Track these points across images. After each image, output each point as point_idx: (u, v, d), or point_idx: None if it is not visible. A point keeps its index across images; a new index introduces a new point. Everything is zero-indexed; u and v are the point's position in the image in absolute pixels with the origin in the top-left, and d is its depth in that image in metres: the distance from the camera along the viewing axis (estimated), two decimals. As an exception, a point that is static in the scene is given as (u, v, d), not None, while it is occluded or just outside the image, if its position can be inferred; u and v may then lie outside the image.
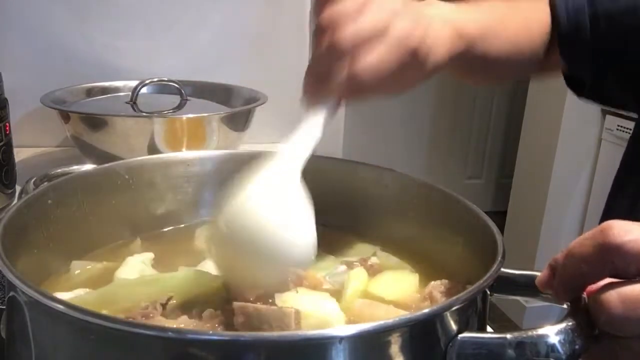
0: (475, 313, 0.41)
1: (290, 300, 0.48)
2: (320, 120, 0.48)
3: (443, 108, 2.90)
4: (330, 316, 0.48)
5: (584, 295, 0.38)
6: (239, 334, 0.39)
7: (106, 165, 0.61)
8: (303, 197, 0.46)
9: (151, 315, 0.45)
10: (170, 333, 0.34)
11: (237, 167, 0.66)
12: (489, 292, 0.43)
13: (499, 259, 0.43)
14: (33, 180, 0.59)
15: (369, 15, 0.46)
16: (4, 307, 0.41)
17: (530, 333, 0.37)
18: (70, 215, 0.56)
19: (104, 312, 0.41)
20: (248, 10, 1.22)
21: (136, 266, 0.56)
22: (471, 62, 0.59)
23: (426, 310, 0.37)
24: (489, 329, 0.46)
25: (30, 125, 1.15)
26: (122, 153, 0.91)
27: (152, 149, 0.91)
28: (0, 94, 0.85)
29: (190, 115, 0.96)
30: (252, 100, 1.05)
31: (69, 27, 1.15)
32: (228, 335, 0.35)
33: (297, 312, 0.42)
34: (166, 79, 1.06)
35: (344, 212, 0.65)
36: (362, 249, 0.62)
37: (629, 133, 0.72)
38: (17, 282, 0.37)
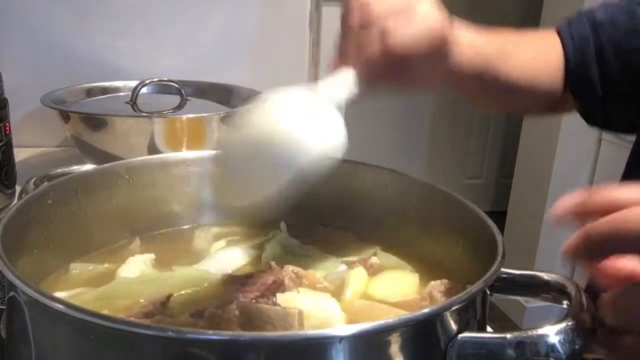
0: (475, 313, 0.41)
1: (291, 300, 0.49)
2: (348, 79, 0.46)
3: (443, 108, 2.90)
4: (331, 316, 0.48)
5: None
6: (239, 333, 0.39)
7: (106, 165, 0.61)
8: (333, 118, 0.43)
9: (151, 314, 0.45)
10: (170, 333, 0.34)
11: (237, 167, 0.67)
12: (489, 292, 0.43)
13: (499, 259, 0.43)
14: (33, 180, 0.59)
15: None
16: (4, 307, 0.41)
17: (530, 333, 0.37)
18: (70, 215, 0.56)
19: (104, 311, 0.41)
20: (248, 10, 1.22)
21: (137, 266, 0.56)
22: (487, 85, 0.59)
23: (426, 310, 0.37)
24: (489, 329, 0.45)
25: (30, 125, 1.15)
26: (122, 153, 0.91)
27: (152, 149, 0.91)
28: (0, 94, 0.85)
29: (190, 115, 0.96)
30: (252, 100, 1.05)
31: (69, 27, 1.15)
32: (228, 335, 0.35)
33: (301, 313, 0.42)
34: (166, 79, 1.06)
35: (344, 212, 0.65)
36: (362, 249, 0.62)
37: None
38: (17, 282, 0.37)
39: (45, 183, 0.57)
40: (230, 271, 0.56)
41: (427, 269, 0.57)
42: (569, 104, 0.68)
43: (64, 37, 1.15)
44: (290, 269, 0.53)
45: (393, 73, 0.49)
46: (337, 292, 0.53)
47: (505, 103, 0.68)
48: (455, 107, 2.93)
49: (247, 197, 0.44)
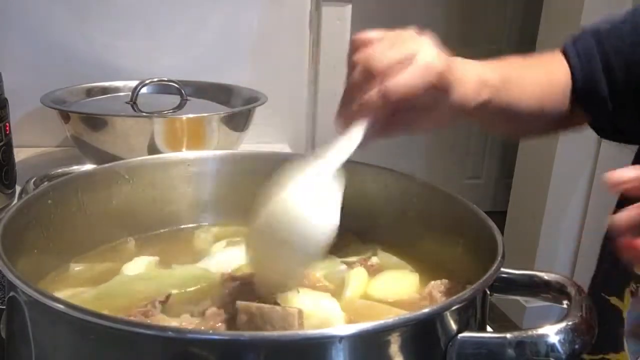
0: (475, 313, 0.41)
1: (291, 299, 0.49)
2: (354, 137, 0.50)
3: (443, 108, 2.90)
4: (331, 316, 0.48)
5: None
6: (239, 333, 0.39)
7: (106, 165, 0.61)
8: (336, 199, 0.48)
9: (150, 313, 0.45)
10: (170, 332, 0.34)
11: (237, 167, 0.67)
12: (489, 292, 0.43)
13: (499, 259, 0.43)
14: (33, 180, 0.59)
15: (399, 47, 0.50)
16: (4, 307, 0.41)
17: (530, 333, 0.37)
18: (70, 215, 0.56)
19: (104, 311, 0.41)
20: (248, 10, 1.22)
21: (142, 266, 0.56)
22: (495, 113, 0.59)
23: (426, 310, 0.37)
24: (489, 328, 0.45)
25: (30, 125, 1.15)
26: (122, 153, 0.91)
27: (152, 149, 0.91)
28: (0, 94, 0.85)
29: (190, 115, 0.96)
30: (252, 100, 1.05)
31: (69, 27, 1.15)
32: (228, 334, 0.35)
33: (301, 312, 0.42)
34: (166, 79, 1.06)
35: (343, 212, 0.65)
36: (362, 249, 0.62)
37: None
38: (17, 282, 0.37)
39: (45, 183, 0.57)
40: (230, 270, 0.56)
41: (427, 269, 0.57)
42: (576, 121, 0.68)
43: (64, 37, 1.15)
44: (290, 268, 0.53)
45: (399, 119, 0.52)
46: (337, 291, 0.53)
47: (515, 129, 0.69)
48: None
49: (278, 276, 0.50)
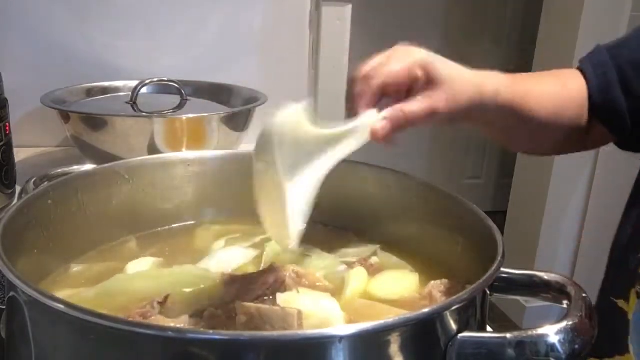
0: (475, 313, 0.41)
1: (291, 300, 0.49)
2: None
3: (443, 108, 2.90)
4: (331, 316, 0.48)
5: None
6: (239, 333, 0.39)
7: (106, 165, 0.61)
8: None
9: (149, 314, 0.45)
10: (170, 333, 0.34)
11: (237, 167, 0.67)
12: (489, 292, 0.43)
13: (499, 259, 0.43)
14: (33, 180, 0.59)
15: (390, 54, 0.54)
16: (4, 307, 0.41)
17: (530, 333, 0.37)
18: (70, 215, 0.56)
19: (104, 310, 0.41)
20: (248, 10, 1.22)
21: (145, 266, 0.56)
22: (511, 119, 0.60)
23: (426, 310, 0.37)
24: (489, 328, 0.45)
25: (30, 125, 1.15)
26: (122, 153, 0.91)
27: (152, 149, 0.91)
28: (0, 94, 0.85)
29: (190, 115, 0.96)
30: (252, 100, 1.05)
31: (69, 27, 1.15)
32: (228, 334, 0.35)
33: (300, 313, 0.42)
34: (166, 79, 1.06)
35: (344, 212, 0.65)
36: (362, 249, 0.62)
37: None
38: (17, 282, 0.37)
39: (45, 183, 0.57)
40: (230, 270, 0.56)
41: (427, 269, 0.57)
42: (596, 138, 0.68)
43: (64, 37, 1.15)
44: (290, 268, 0.53)
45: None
46: (337, 291, 0.53)
47: (531, 140, 0.68)
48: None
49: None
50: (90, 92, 1.12)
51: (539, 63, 2.02)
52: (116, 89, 1.13)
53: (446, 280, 0.52)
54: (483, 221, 0.50)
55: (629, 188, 0.69)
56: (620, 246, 0.67)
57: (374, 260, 0.59)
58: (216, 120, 0.96)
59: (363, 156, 0.64)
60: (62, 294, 0.51)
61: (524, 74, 0.64)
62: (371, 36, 1.96)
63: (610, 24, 1.84)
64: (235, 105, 1.09)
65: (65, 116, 0.96)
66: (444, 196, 0.57)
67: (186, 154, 0.66)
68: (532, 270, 0.46)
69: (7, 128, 0.86)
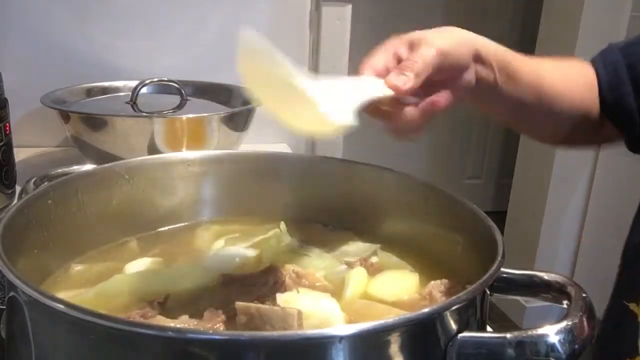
0: (475, 313, 0.41)
1: (291, 300, 0.48)
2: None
3: (443, 108, 2.90)
4: (331, 316, 0.48)
5: None
6: (239, 333, 0.39)
7: (106, 165, 0.61)
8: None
9: (149, 314, 0.45)
10: (170, 332, 0.34)
11: (237, 167, 0.67)
12: (488, 292, 0.43)
13: (499, 258, 0.43)
14: (33, 180, 0.59)
15: None
16: (4, 307, 0.41)
17: (530, 333, 0.37)
18: (70, 215, 0.56)
19: (103, 310, 0.41)
20: (248, 10, 1.22)
21: (145, 266, 0.56)
22: (528, 107, 0.61)
23: (426, 310, 0.37)
24: (489, 328, 0.45)
25: (30, 125, 1.15)
26: (122, 153, 0.91)
27: (152, 149, 0.91)
28: (0, 94, 0.85)
29: (190, 115, 0.96)
30: (252, 100, 1.05)
31: (69, 27, 1.15)
32: (228, 334, 0.35)
33: (300, 313, 0.42)
34: (166, 79, 1.06)
35: (344, 212, 0.65)
36: (362, 249, 0.62)
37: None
38: (17, 282, 0.37)
39: (45, 183, 0.57)
40: (230, 270, 0.56)
41: (427, 269, 0.57)
42: (606, 133, 0.68)
43: (64, 37, 1.15)
44: (290, 268, 0.53)
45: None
46: (337, 291, 0.53)
47: (542, 125, 0.68)
48: (455, 107, 2.92)
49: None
50: (90, 92, 1.12)
51: (539, 63, 2.02)
52: (116, 89, 1.13)
53: (446, 280, 0.52)
54: (483, 221, 0.50)
55: (629, 188, 0.70)
56: (633, 247, 0.67)
57: (374, 260, 0.59)
58: (216, 120, 0.96)
59: (363, 156, 0.64)
60: (63, 294, 0.51)
61: (536, 59, 0.64)
62: (371, 36, 1.96)
63: (610, 24, 1.84)
64: (235, 105, 1.09)
65: (65, 116, 0.96)
66: (444, 196, 0.57)
67: (186, 154, 0.66)
68: (532, 270, 0.46)
69: (7, 128, 0.86)
